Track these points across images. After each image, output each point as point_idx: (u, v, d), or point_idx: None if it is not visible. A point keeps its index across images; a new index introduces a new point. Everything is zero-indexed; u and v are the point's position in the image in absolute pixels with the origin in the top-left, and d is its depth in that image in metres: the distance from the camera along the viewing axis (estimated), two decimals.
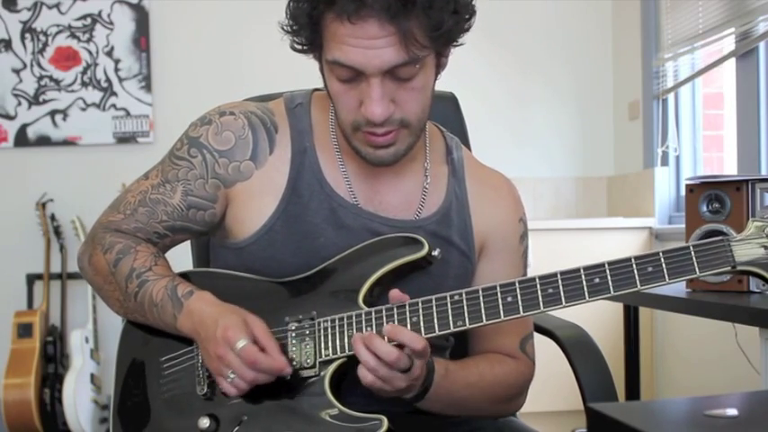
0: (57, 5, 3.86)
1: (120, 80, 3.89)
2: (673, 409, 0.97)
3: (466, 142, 1.62)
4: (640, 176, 3.71)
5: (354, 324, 1.21)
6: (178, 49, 3.93)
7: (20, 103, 3.85)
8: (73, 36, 3.88)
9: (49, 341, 3.62)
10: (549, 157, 4.05)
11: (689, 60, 3.44)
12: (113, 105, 3.89)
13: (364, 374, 1.15)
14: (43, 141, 3.86)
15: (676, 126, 3.56)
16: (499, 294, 1.17)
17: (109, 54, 3.89)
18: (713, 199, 1.99)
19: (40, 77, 3.86)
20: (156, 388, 1.32)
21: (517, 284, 1.17)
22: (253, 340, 1.19)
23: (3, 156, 3.87)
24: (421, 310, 1.19)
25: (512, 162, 3.83)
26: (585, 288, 1.15)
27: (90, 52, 3.88)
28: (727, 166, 3.44)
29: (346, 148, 1.31)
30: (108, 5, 3.88)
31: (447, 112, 1.68)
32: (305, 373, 1.22)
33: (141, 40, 3.90)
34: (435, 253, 1.24)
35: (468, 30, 1.23)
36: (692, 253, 1.13)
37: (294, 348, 1.23)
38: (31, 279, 3.81)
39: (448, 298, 1.19)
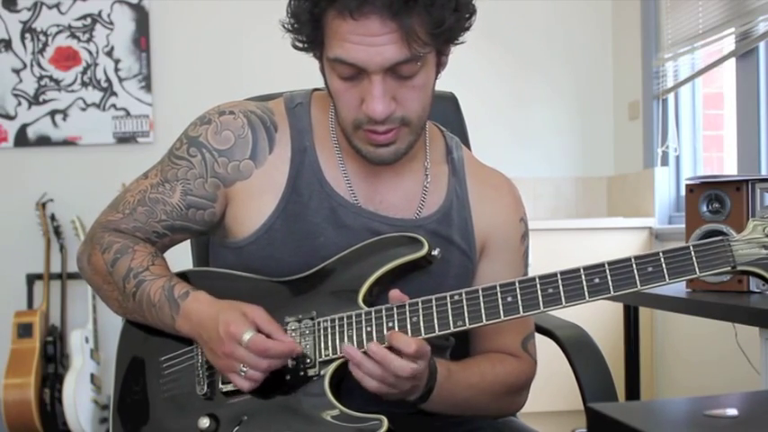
0: (57, 5, 3.86)
1: (120, 80, 3.89)
2: (673, 409, 0.97)
3: (466, 142, 1.62)
4: (640, 176, 3.71)
5: (354, 324, 1.21)
6: (178, 49, 3.93)
7: (20, 103, 3.85)
8: (73, 36, 3.88)
9: (48, 341, 3.62)
10: (549, 157, 4.05)
11: (689, 60, 3.44)
12: (113, 105, 3.89)
13: (370, 382, 1.16)
14: (43, 141, 3.86)
15: (676, 126, 3.56)
16: (499, 294, 1.17)
17: (109, 54, 3.89)
18: (713, 199, 1.99)
19: (40, 77, 3.86)
20: (155, 388, 1.32)
21: (517, 284, 1.17)
22: (256, 329, 1.19)
23: (3, 156, 3.87)
24: (421, 310, 1.19)
25: (512, 162, 3.83)
26: (585, 288, 1.15)
27: (90, 52, 3.88)
28: (727, 166, 3.44)
29: (346, 147, 1.31)
30: (108, 5, 3.88)
31: (447, 112, 1.68)
32: (305, 373, 1.22)
33: (141, 40, 3.90)
34: (435, 252, 1.24)
35: (468, 28, 1.23)
36: (693, 253, 1.13)
37: None
38: (31, 279, 3.81)
39: (448, 298, 1.19)
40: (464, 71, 3.18)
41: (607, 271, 1.14)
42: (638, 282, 1.13)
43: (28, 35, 3.86)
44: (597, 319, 2.65)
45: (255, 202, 1.31)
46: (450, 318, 1.18)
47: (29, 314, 3.63)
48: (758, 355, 1.89)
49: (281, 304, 1.26)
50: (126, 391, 1.34)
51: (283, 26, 1.24)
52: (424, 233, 1.28)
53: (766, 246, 1.11)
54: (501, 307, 1.17)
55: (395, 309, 1.20)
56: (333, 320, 1.22)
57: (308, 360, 1.22)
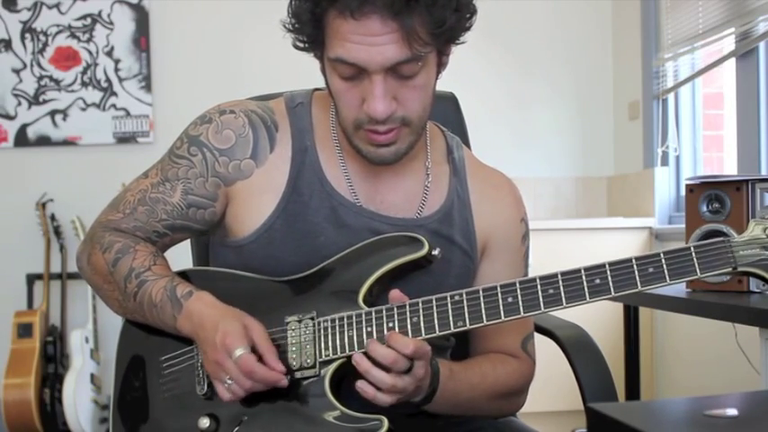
0: (57, 5, 3.86)
1: (120, 80, 3.89)
2: (673, 409, 0.97)
3: (466, 142, 1.62)
4: (640, 176, 3.71)
5: (354, 324, 1.21)
6: (178, 49, 3.93)
7: (20, 103, 3.85)
8: (73, 36, 3.88)
9: (49, 341, 3.62)
10: (549, 157, 4.05)
11: (689, 60, 3.44)
12: (113, 105, 3.89)
13: (367, 389, 1.16)
14: (43, 141, 3.86)
15: (676, 126, 3.56)
16: (500, 295, 1.17)
17: (109, 54, 3.89)
18: (713, 199, 1.99)
19: (40, 77, 3.86)
20: (155, 387, 1.31)
21: (518, 285, 1.17)
22: (251, 347, 1.19)
23: (3, 156, 3.87)
24: (421, 311, 1.19)
25: (512, 162, 3.83)
26: (586, 289, 1.15)
27: (90, 52, 3.88)
28: (727, 166, 3.44)
29: (347, 147, 1.31)
30: (108, 5, 3.88)
31: (447, 112, 1.68)
32: (305, 374, 1.22)
33: (141, 40, 3.90)
34: (435, 252, 1.24)
35: (469, 28, 1.23)
36: (693, 254, 1.13)
37: (294, 348, 1.23)
38: (31, 279, 3.81)
39: (448, 298, 1.19)
40: (464, 71, 3.17)
41: (608, 271, 1.14)
42: (638, 282, 1.13)
43: (28, 35, 3.86)
44: (597, 319, 2.65)
45: (256, 202, 1.31)
46: (451, 318, 1.18)
47: (29, 314, 3.63)
48: (758, 355, 1.89)
49: (281, 304, 1.26)
50: (126, 390, 1.34)
51: (284, 26, 1.24)
52: (425, 233, 1.28)
53: (767, 247, 1.11)
54: (501, 307, 1.17)
55: (395, 309, 1.20)
56: (333, 320, 1.22)
57: (308, 361, 1.22)
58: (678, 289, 2.03)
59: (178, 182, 1.32)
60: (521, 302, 1.17)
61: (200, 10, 3.92)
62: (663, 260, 1.13)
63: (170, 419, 1.29)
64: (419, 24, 1.15)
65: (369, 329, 1.20)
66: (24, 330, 3.57)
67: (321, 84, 1.30)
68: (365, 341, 1.19)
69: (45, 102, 3.86)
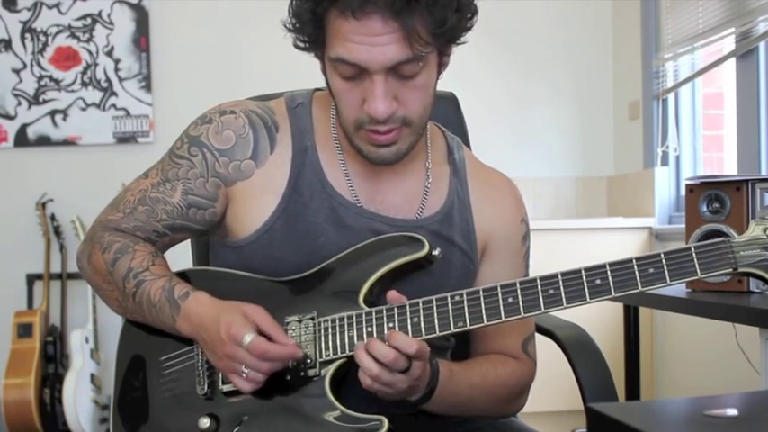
0: (57, 5, 3.86)
1: (120, 80, 3.89)
2: (673, 409, 0.98)
3: (466, 142, 1.62)
4: (640, 176, 3.71)
5: (355, 324, 1.21)
6: (178, 49, 3.93)
7: (20, 103, 3.85)
8: (73, 36, 3.88)
9: (49, 341, 3.62)
10: (549, 157, 4.05)
11: (689, 60, 3.44)
12: (113, 105, 3.89)
13: (364, 379, 1.16)
14: (43, 141, 3.86)
15: (676, 126, 3.56)
16: (500, 295, 1.17)
17: (109, 54, 3.89)
18: (713, 199, 1.99)
19: (40, 77, 3.86)
20: (156, 387, 1.31)
21: (518, 285, 1.17)
22: (257, 331, 1.19)
23: (3, 156, 3.87)
24: (422, 311, 1.19)
25: (512, 162, 3.83)
26: (587, 289, 1.15)
27: (90, 52, 3.88)
28: (727, 166, 3.44)
29: (348, 147, 1.31)
30: (108, 5, 3.88)
31: (447, 112, 1.68)
32: (305, 374, 1.22)
33: (141, 40, 3.90)
34: (436, 252, 1.24)
35: (470, 28, 1.23)
36: (694, 254, 1.13)
37: None
38: (31, 279, 3.81)
39: (449, 298, 1.19)
40: (464, 71, 3.17)
41: (608, 272, 1.15)
42: (639, 283, 1.14)
43: (28, 35, 3.86)
44: (597, 319, 2.65)
45: (256, 202, 1.31)
46: (451, 318, 1.18)
47: (29, 314, 3.63)
48: (758, 355, 1.89)
49: (281, 304, 1.26)
50: (126, 390, 1.34)
51: (285, 26, 1.24)
52: (426, 234, 1.28)
53: (767, 247, 1.12)
54: (502, 308, 1.17)
55: (395, 309, 1.20)
56: (333, 320, 1.22)
57: (309, 360, 1.22)
58: (678, 289, 2.03)
59: (178, 182, 1.32)
60: (521, 303, 1.17)
61: (200, 10, 3.92)
62: (663, 260, 1.13)
63: (170, 419, 1.29)
64: (420, 24, 1.15)
65: (369, 329, 1.20)
66: (24, 330, 3.57)
67: (321, 83, 1.29)
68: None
69: (45, 102, 3.86)
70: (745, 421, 0.85)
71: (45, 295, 3.72)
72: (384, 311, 1.20)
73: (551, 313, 1.22)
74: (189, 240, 1.50)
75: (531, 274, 1.21)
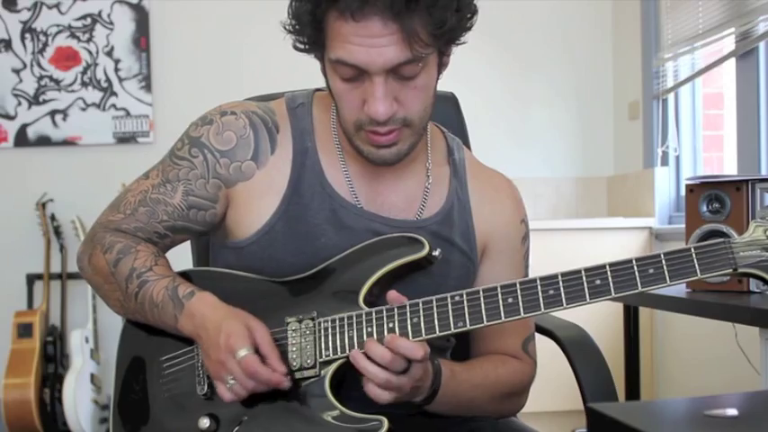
0: (57, 5, 3.86)
1: (120, 80, 3.89)
2: (673, 409, 0.98)
3: (466, 142, 1.62)
4: (640, 176, 3.71)
5: (355, 324, 1.21)
6: (178, 49, 3.93)
7: (20, 103, 3.85)
8: (73, 36, 3.88)
9: (49, 341, 3.62)
10: (549, 157, 4.05)
11: (689, 60, 3.43)
12: (113, 105, 3.89)
13: (373, 390, 1.16)
14: (43, 141, 3.86)
15: (676, 126, 3.56)
16: (500, 295, 1.17)
17: (109, 54, 3.89)
18: (713, 199, 1.99)
19: (40, 77, 3.86)
20: (156, 388, 1.31)
21: (518, 285, 1.17)
22: (254, 348, 1.19)
23: (3, 156, 3.87)
24: (422, 311, 1.19)
25: (512, 162, 3.83)
26: (586, 289, 1.15)
27: (90, 52, 3.88)
28: (727, 166, 3.44)
29: (348, 148, 1.31)
30: (108, 5, 3.88)
31: (447, 112, 1.68)
32: (305, 374, 1.22)
33: (141, 40, 3.90)
34: (436, 253, 1.24)
35: (470, 28, 1.23)
36: (694, 255, 1.13)
37: (294, 349, 1.23)
38: (31, 279, 3.81)
39: (449, 299, 1.19)
40: (464, 71, 3.18)
41: (608, 272, 1.14)
42: (639, 283, 1.14)
43: (28, 35, 3.86)
44: (597, 319, 2.65)
45: (257, 203, 1.31)
46: (451, 318, 1.18)
47: (29, 314, 3.63)
48: (758, 355, 1.90)
49: (281, 304, 1.26)
50: (126, 390, 1.34)
51: (284, 27, 1.24)
52: (425, 234, 1.28)
53: (767, 248, 1.12)
54: (502, 308, 1.17)
55: (395, 309, 1.20)
56: (333, 321, 1.22)
57: (308, 361, 1.22)
58: (678, 289, 2.03)
59: (179, 183, 1.32)
60: (521, 303, 1.17)
61: (200, 10, 3.92)
62: (663, 261, 1.13)
63: (170, 419, 1.29)
64: (420, 25, 1.15)
65: (369, 330, 1.20)
66: (24, 330, 3.57)
67: (322, 83, 1.29)
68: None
69: (45, 102, 3.86)
70: (745, 421, 0.85)
71: (45, 295, 3.72)
72: (384, 312, 1.20)
73: (551, 313, 1.22)
74: (189, 241, 1.50)
75: (531, 275, 1.21)
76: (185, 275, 1.33)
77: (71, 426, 3.44)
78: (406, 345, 1.15)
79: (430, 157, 1.38)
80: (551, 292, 1.16)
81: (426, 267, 1.26)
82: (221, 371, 1.20)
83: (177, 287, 1.27)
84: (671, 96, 3.56)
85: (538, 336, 1.48)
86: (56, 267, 3.80)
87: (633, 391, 2.50)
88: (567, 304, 1.16)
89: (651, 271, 1.13)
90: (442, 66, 1.25)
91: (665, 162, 3.59)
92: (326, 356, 1.22)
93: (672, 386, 3.43)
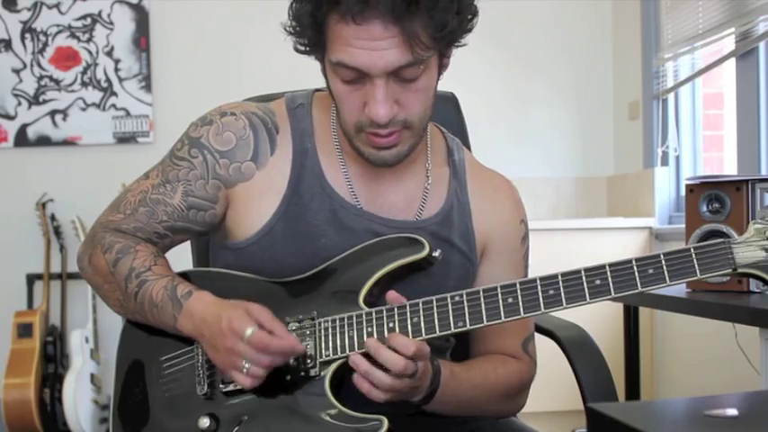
0: (57, 5, 3.86)
1: (120, 80, 3.89)
2: (673, 409, 0.98)
3: (466, 142, 1.62)
4: (640, 176, 3.71)
5: (355, 324, 1.21)
6: (178, 49, 3.93)
7: (20, 103, 3.85)
8: (73, 36, 3.88)
9: (49, 341, 3.62)
10: (549, 157, 4.05)
11: (689, 60, 3.43)
12: (113, 105, 3.89)
13: (368, 389, 1.16)
14: (43, 141, 3.86)
15: (676, 126, 3.56)
16: (500, 295, 1.18)
17: (109, 54, 3.89)
18: (713, 199, 1.99)
19: (40, 77, 3.86)
20: (155, 388, 1.32)
21: (518, 285, 1.17)
22: (259, 327, 1.19)
23: (3, 156, 3.87)
24: (422, 311, 1.19)
25: (512, 162, 3.83)
26: (586, 289, 1.15)
27: (90, 52, 3.88)
28: (727, 166, 3.44)
29: (348, 149, 1.31)
30: (108, 5, 3.88)
31: (447, 112, 1.68)
32: (305, 374, 1.22)
33: (141, 40, 3.90)
34: (436, 254, 1.24)
35: (470, 30, 1.23)
36: (693, 255, 1.13)
37: None
38: (31, 279, 3.81)
39: (449, 299, 1.19)
40: (464, 71, 3.18)
41: (608, 272, 1.15)
42: (638, 283, 1.14)
43: (28, 35, 3.86)
44: (597, 319, 2.65)
45: (256, 204, 1.31)
46: (451, 318, 1.18)
47: (29, 314, 3.63)
48: (758, 355, 1.90)
49: (281, 305, 1.26)
50: (126, 391, 1.34)
51: (285, 29, 1.24)
52: (425, 235, 1.28)
53: (767, 248, 1.12)
54: (502, 308, 1.17)
55: (395, 309, 1.20)
56: (333, 321, 1.22)
57: (309, 360, 1.22)
58: (678, 289, 2.03)
59: (179, 183, 1.32)
60: (521, 303, 1.17)
61: (200, 10, 3.92)
62: (663, 261, 1.13)
63: (170, 419, 1.29)
64: (420, 28, 1.15)
65: (369, 330, 1.20)
66: (24, 330, 3.57)
67: (322, 83, 1.29)
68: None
69: (45, 102, 3.86)
70: (745, 421, 0.85)
71: (45, 295, 3.72)
72: (384, 312, 1.20)
73: (551, 313, 1.22)
74: (189, 241, 1.50)
75: (531, 275, 1.21)
76: (185, 276, 1.33)
77: (71, 426, 3.44)
78: (402, 342, 1.15)
79: (430, 157, 1.38)
80: (551, 292, 1.16)
81: (426, 268, 1.26)
82: (233, 357, 1.19)
83: (176, 287, 1.27)
84: (671, 96, 3.56)
85: (538, 336, 1.48)
86: (56, 267, 3.80)
87: (633, 391, 2.50)
88: (567, 304, 1.16)
89: (651, 271, 1.14)
90: (442, 67, 1.25)
91: (665, 162, 3.59)
92: (326, 356, 1.22)
93: (672, 386, 3.43)
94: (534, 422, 1.56)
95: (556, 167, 4.05)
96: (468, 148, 1.57)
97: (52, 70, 3.87)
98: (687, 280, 1.14)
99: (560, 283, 1.16)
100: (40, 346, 3.57)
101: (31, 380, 3.49)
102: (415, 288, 1.24)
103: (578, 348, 1.47)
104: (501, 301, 1.17)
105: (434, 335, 1.19)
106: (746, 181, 1.94)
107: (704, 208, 2.01)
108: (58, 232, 3.79)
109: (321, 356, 1.22)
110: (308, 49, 1.24)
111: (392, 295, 1.20)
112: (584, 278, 1.15)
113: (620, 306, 2.63)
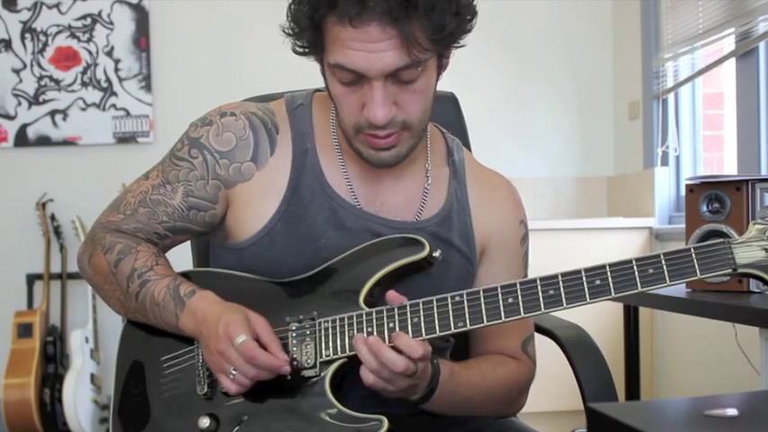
0: (57, 5, 3.86)
1: (120, 80, 3.89)
2: (673, 409, 0.98)
3: (466, 142, 1.62)
4: (640, 176, 3.71)
5: (355, 324, 1.21)
6: (178, 49, 3.93)
7: (20, 103, 3.85)
8: (73, 36, 3.88)
9: (49, 341, 3.62)
10: (549, 157, 4.05)
11: (689, 60, 3.44)
12: (113, 105, 3.89)
13: (366, 376, 1.16)
14: (43, 141, 3.86)
15: (676, 126, 3.56)
16: (500, 295, 1.18)
17: (109, 54, 3.89)
18: (713, 199, 1.99)
19: (40, 77, 3.86)
20: (156, 388, 1.32)
21: (518, 286, 1.17)
22: (254, 337, 1.19)
23: (3, 156, 3.87)
24: (422, 311, 1.19)
25: (512, 162, 3.83)
26: (586, 289, 1.15)
27: (90, 52, 3.88)
28: (727, 166, 3.44)
29: (347, 149, 1.31)
30: (108, 5, 3.88)
31: (447, 112, 1.68)
32: (305, 374, 1.22)
33: (141, 40, 3.90)
34: (436, 254, 1.24)
35: (469, 31, 1.23)
36: (693, 255, 1.13)
37: (295, 348, 1.23)
38: (31, 279, 3.81)
39: (449, 299, 1.19)
40: (464, 71, 3.18)
41: (608, 272, 1.15)
42: (638, 283, 1.14)
43: (28, 35, 3.86)
44: (597, 319, 2.65)
45: (256, 204, 1.31)
46: (452, 318, 1.18)
47: (29, 314, 3.63)
48: (758, 355, 1.89)
49: (282, 305, 1.27)
50: (126, 390, 1.34)
51: (284, 30, 1.24)
52: (425, 235, 1.28)
53: (767, 248, 1.12)
54: (502, 308, 1.17)
55: (395, 309, 1.20)
56: (333, 321, 1.22)
57: (309, 361, 1.22)
58: (678, 289, 2.03)
59: (179, 184, 1.32)
60: (521, 303, 1.17)
61: (200, 10, 3.92)
62: (663, 261, 1.13)
63: (170, 419, 1.29)
64: (418, 30, 1.15)
65: (369, 330, 1.20)
66: (24, 330, 3.57)
67: (321, 84, 1.29)
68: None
69: (45, 102, 3.86)
70: (745, 421, 0.85)
71: (45, 295, 3.72)
72: (384, 312, 1.20)
73: (551, 313, 1.22)
74: (189, 242, 1.50)
75: (531, 275, 1.21)
76: (186, 276, 1.33)
77: (71, 426, 3.44)
78: (410, 344, 1.15)
79: (429, 158, 1.38)
80: (551, 292, 1.16)
81: (426, 268, 1.26)
82: (221, 361, 1.20)
83: (179, 286, 1.27)
84: (671, 96, 3.56)
85: (538, 336, 1.48)
86: (56, 267, 3.80)
87: (633, 391, 2.50)
88: (567, 304, 1.16)
89: (651, 271, 1.14)
90: (441, 68, 1.25)
91: (665, 162, 3.59)
92: (327, 356, 1.22)
93: (672, 386, 3.43)
94: (534, 422, 1.56)
95: (556, 167, 4.05)
96: (469, 148, 1.57)
97: (52, 70, 3.87)
98: (687, 280, 1.14)
99: (560, 283, 1.16)
100: (40, 346, 3.57)
101: (31, 380, 3.48)
102: (415, 288, 1.24)
103: (578, 348, 1.47)
104: (501, 302, 1.17)
105: (434, 335, 1.19)
106: (746, 181, 1.94)
107: (704, 208, 2.00)
108: (57, 232, 3.79)
109: (321, 356, 1.22)
110: (306, 50, 1.24)
111: (392, 295, 1.20)
112: (584, 278, 1.15)
113: (620, 306, 2.63)
